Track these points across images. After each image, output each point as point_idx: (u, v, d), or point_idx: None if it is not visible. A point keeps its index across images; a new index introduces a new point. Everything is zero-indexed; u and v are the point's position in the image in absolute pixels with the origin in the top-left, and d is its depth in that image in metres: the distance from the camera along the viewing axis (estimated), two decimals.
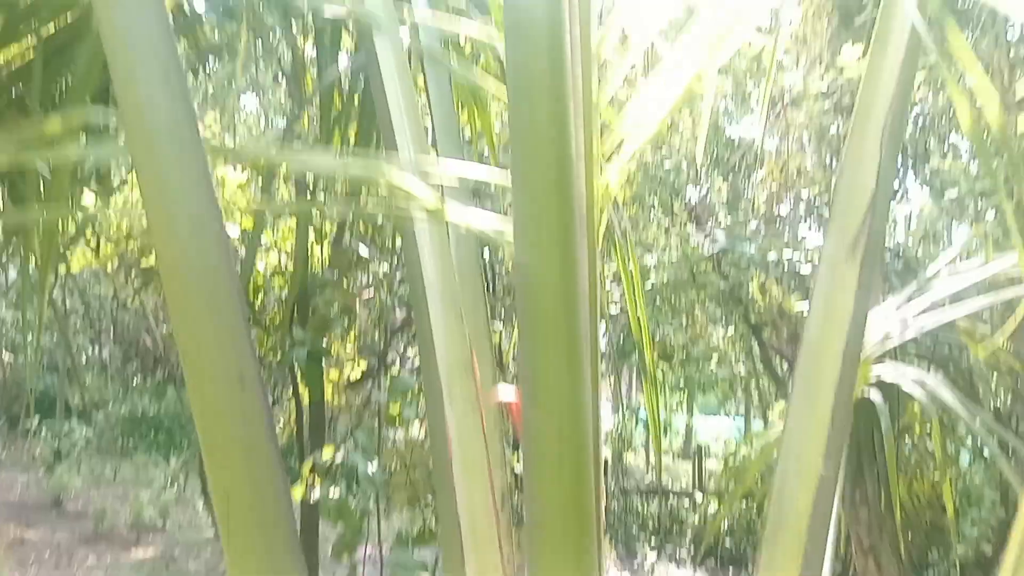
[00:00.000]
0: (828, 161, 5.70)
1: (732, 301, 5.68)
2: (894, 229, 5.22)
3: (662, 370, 6.34)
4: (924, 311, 2.86)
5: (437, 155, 0.95)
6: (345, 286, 3.74)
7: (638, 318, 1.51)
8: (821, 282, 1.07)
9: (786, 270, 4.67)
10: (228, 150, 1.47)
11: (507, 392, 0.96)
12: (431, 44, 0.99)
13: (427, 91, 0.98)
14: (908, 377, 2.87)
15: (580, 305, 0.83)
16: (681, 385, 9.04)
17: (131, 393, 11.21)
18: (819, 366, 1.09)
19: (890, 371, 2.88)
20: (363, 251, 3.40)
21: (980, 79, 0.64)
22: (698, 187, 5.32)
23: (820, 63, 4.18)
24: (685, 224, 4.78)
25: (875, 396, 2.87)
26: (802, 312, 4.52)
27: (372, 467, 2.95)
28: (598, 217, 0.91)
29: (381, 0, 0.88)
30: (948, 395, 2.69)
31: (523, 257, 0.83)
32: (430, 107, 0.96)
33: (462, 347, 0.98)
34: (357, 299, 3.76)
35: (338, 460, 3.08)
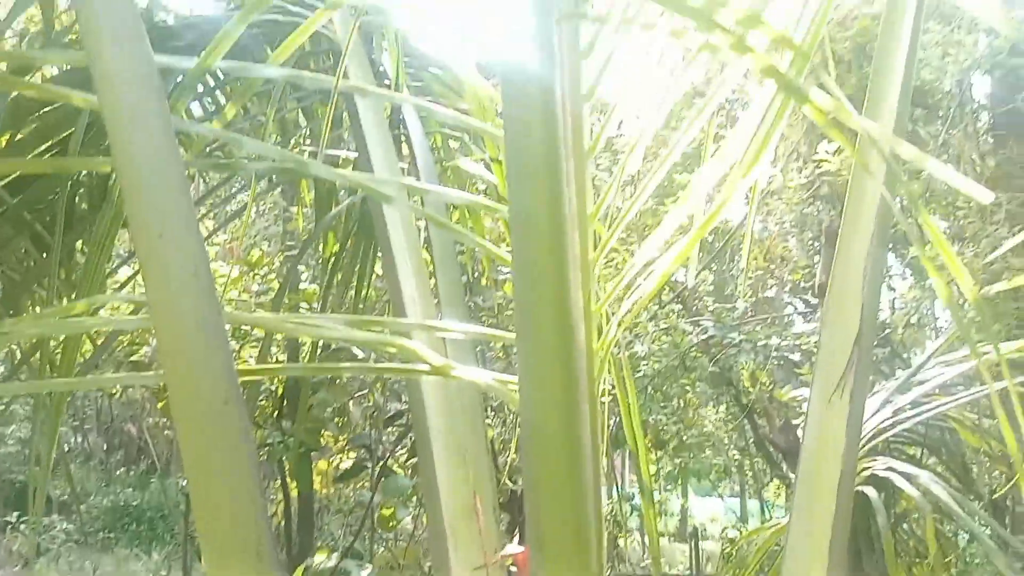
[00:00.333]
0: (810, 244, 5.83)
1: (723, 383, 5.70)
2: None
3: (656, 455, 6.30)
4: (913, 403, 2.89)
5: (442, 314, 0.99)
6: (338, 381, 3.74)
7: (628, 406, 1.54)
8: (813, 419, 1.11)
9: (774, 354, 4.71)
10: (246, 317, 1.51)
11: (513, 547, 0.98)
12: (436, 209, 1.05)
13: (431, 250, 1.03)
14: (900, 471, 2.88)
15: (585, 461, 0.85)
16: (675, 472, 8.94)
17: (114, 483, 10.97)
18: (815, 498, 1.12)
19: (882, 466, 2.89)
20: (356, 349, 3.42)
21: (951, 260, 0.69)
22: (685, 272, 5.41)
23: (797, 157, 4.34)
24: (673, 312, 4.85)
25: (870, 491, 2.87)
26: (793, 399, 4.54)
27: (364, 573, 2.89)
28: (598, 368, 0.95)
29: (389, 169, 0.94)
30: (941, 491, 2.70)
31: (528, 411, 0.86)
32: (434, 265, 1.01)
33: (466, 493, 1.00)
34: (351, 400, 3.76)
35: (330, 564, 3.03)
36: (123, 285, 1.91)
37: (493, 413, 4.74)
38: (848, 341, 1.09)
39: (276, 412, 4.98)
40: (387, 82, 1.77)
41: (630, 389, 1.46)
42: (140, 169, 0.71)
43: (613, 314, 0.96)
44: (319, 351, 3.36)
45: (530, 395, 0.82)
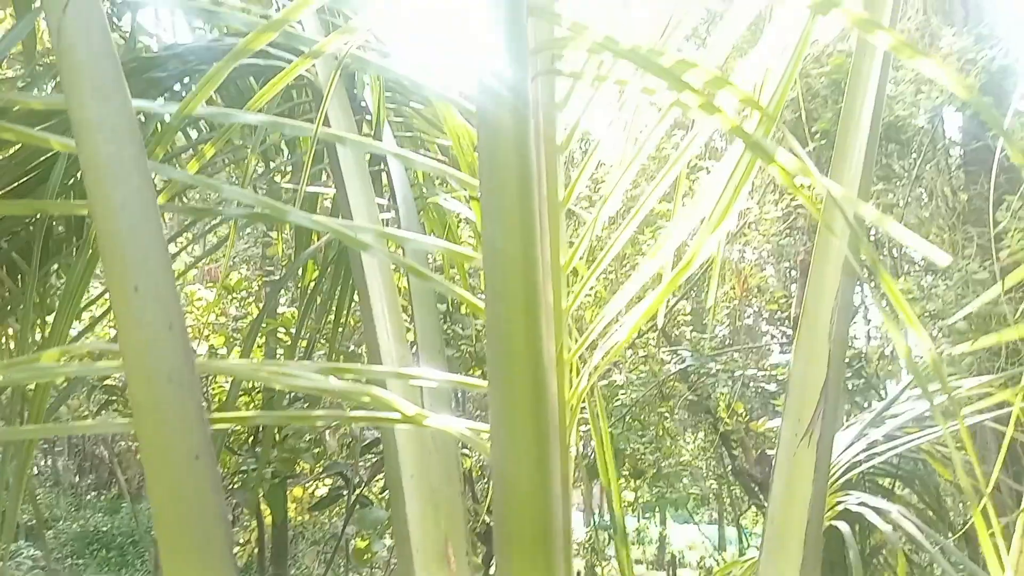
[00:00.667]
0: (787, 274, 5.91)
1: (700, 411, 5.73)
2: (852, 343, 5.34)
3: (634, 486, 6.29)
4: (887, 436, 2.93)
5: (418, 351, 1.00)
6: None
7: (602, 443, 1.54)
8: (781, 468, 1.12)
9: (751, 385, 4.75)
10: (220, 366, 1.51)
11: None
12: (416, 259, 1.06)
13: (411, 299, 1.04)
14: (872, 505, 2.90)
15: (556, 513, 0.86)
16: (653, 500, 8.94)
17: (84, 508, 10.76)
18: (784, 545, 1.13)
19: (855, 501, 2.92)
20: None
21: (910, 319, 0.71)
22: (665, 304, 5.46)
23: (774, 189, 4.41)
24: (651, 342, 4.88)
25: (843, 526, 2.89)
26: (769, 430, 4.57)
27: None
28: (569, 418, 0.96)
29: (367, 213, 0.95)
30: (910, 526, 2.73)
31: (500, 463, 0.86)
32: (412, 313, 1.02)
33: (437, 538, 1.00)
34: (327, 429, 3.73)
35: None
36: (98, 320, 1.89)
37: None
38: (817, 386, 1.11)
39: (251, 438, 4.94)
40: (368, 117, 1.79)
41: (603, 426, 1.47)
42: (117, 221, 0.71)
43: (585, 362, 0.97)
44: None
45: (502, 447, 0.83)
